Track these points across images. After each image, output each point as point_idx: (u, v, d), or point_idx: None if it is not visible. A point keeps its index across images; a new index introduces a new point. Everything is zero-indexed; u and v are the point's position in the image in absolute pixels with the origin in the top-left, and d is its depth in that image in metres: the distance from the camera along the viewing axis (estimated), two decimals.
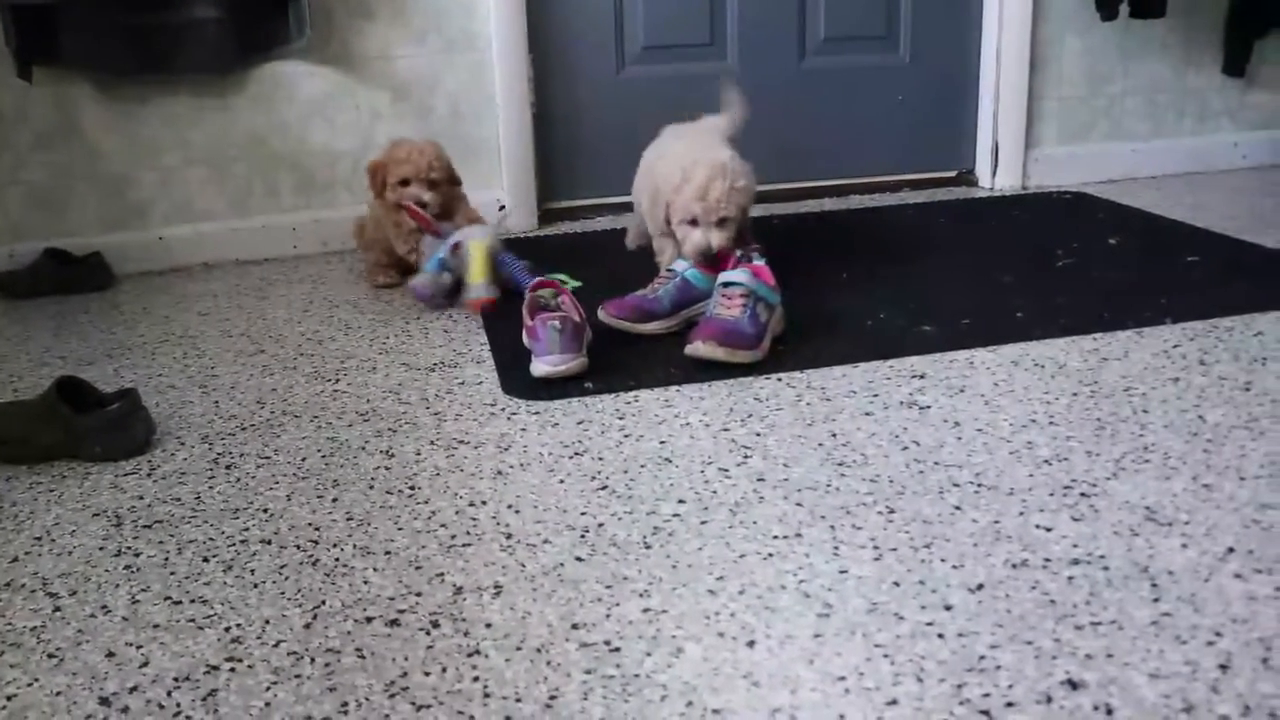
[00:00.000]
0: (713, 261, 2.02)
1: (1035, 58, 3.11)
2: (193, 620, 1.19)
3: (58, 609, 1.23)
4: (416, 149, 2.34)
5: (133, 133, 2.69)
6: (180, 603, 1.22)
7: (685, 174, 2.03)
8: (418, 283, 2.22)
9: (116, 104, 2.67)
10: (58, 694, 1.08)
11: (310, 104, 2.75)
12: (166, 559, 1.32)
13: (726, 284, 1.85)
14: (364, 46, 2.74)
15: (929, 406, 1.65)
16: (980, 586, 1.18)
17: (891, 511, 1.35)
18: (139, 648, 1.15)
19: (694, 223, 2.04)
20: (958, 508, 1.35)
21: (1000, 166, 3.16)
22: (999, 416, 1.61)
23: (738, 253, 1.99)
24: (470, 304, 2.15)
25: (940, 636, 1.10)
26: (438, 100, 2.81)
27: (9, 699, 1.07)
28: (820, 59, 3.08)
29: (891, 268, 2.37)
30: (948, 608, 1.15)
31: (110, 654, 1.14)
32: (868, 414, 1.64)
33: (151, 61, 2.60)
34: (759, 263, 1.93)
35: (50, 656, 1.14)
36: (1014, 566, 1.22)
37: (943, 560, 1.24)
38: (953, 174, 3.24)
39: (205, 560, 1.31)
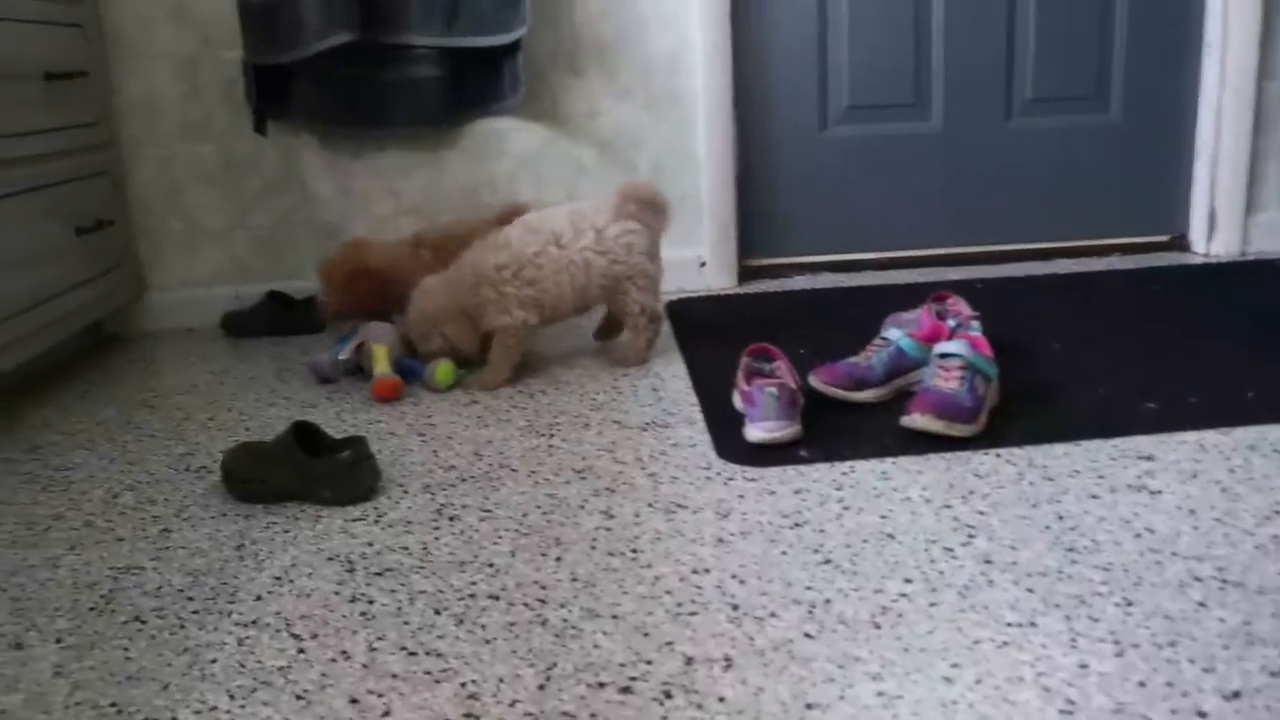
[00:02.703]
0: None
1: (1259, 117, 2.98)
2: (429, 673, 1.22)
3: (301, 650, 1.28)
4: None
5: (347, 183, 2.82)
6: (416, 654, 1.26)
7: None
8: (318, 360, 2.30)
9: (334, 156, 2.80)
10: None
11: (519, 159, 2.83)
12: (399, 608, 1.36)
13: (944, 355, 1.82)
14: (573, 103, 2.82)
15: (1160, 491, 1.59)
16: (1236, 694, 1.12)
17: (1129, 604, 1.30)
18: (380, 696, 1.18)
19: None
20: (1202, 604, 1.29)
21: (1217, 232, 3.03)
22: (1239, 506, 1.53)
23: (952, 322, 1.97)
24: (375, 390, 2.15)
25: None
26: (641, 156, 2.86)
27: None
28: (1027, 119, 3.03)
29: (1106, 338, 2.29)
30: (1201, 714, 1.09)
31: (354, 700, 1.18)
32: (1094, 496, 1.58)
33: (373, 115, 2.73)
34: (976, 333, 1.89)
35: (298, 698, 1.19)
36: (1272, 674, 1.15)
37: (1191, 661, 1.18)
38: (1165, 239, 3.13)
39: (437, 612, 1.35)
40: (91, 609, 1.40)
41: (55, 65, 2.35)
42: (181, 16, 2.68)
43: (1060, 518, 1.52)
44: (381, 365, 2.18)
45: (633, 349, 2.27)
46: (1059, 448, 1.75)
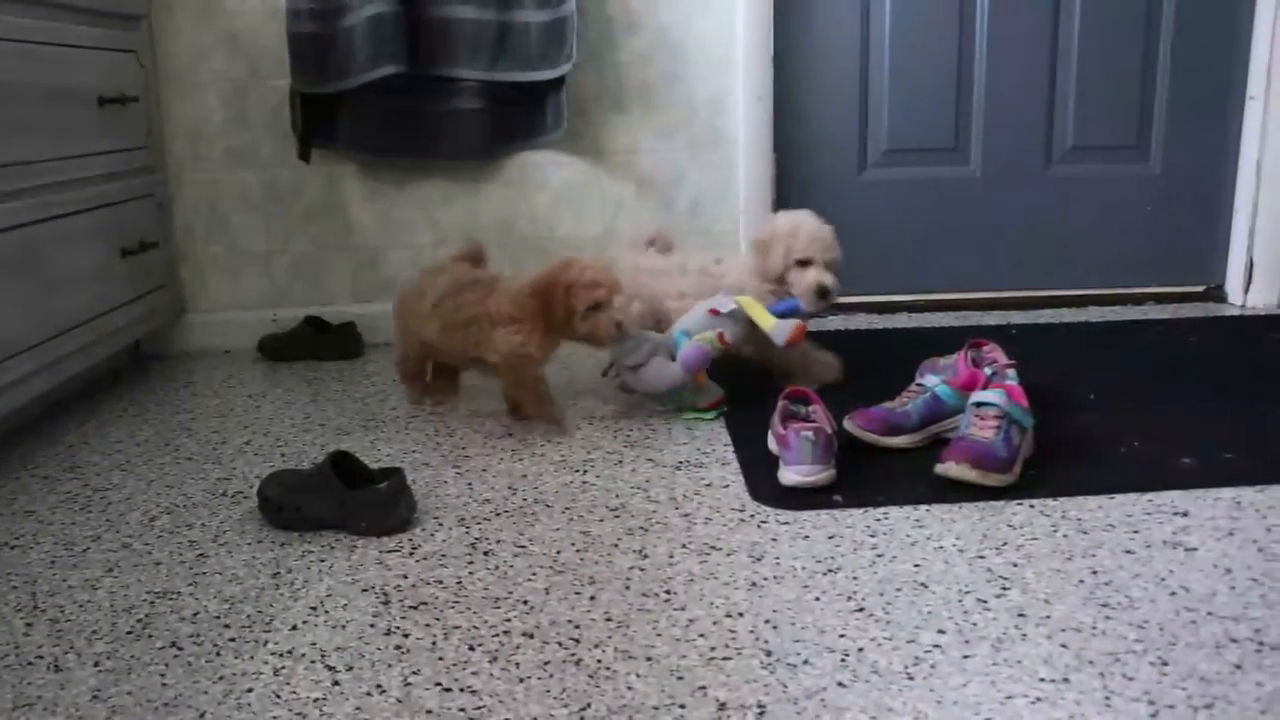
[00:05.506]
0: (826, 297, 2.23)
1: None
2: (463, 710, 1.23)
3: (336, 683, 1.29)
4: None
5: (388, 212, 2.85)
6: (450, 690, 1.27)
7: (795, 224, 2.26)
8: (691, 352, 2.09)
9: (376, 184, 2.84)
10: None
11: (559, 192, 2.85)
12: (434, 643, 1.37)
13: (980, 404, 1.82)
14: (614, 140, 2.84)
15: (1195, 549, 1.58)
16: None
17: (1165, 664, 1.29)
18: None
19: (806, 264, 2.24)
20: (1238, 666, 1.28)
21: (1254, 283, 3.02)
22: (1276, 566, 1.52)
23: (988, 370, 1.97)
24: (790, 339, 2.12)
25: None
26: (680, 194, 2.88)
27: None
28: (1067, 167, 3.03)
29: (1141, 389, 2.29)
30: None
31: None
32: (1129, 552, 1.57)
33: (417, 146, 2.76)
34: (1013, 382, 1.89)
35: None
36: None
37: None
38: (1200, 289, 3.12)
39: (471, 649, 1.35)
40: (129, 633, 1.42)
41: (108, 90, 2.40)
42: (233, 45, 2.73)
43: (1094, 572, 1.51)
44: (764, 316, 2.13)
45: None
46: (1093, 501, 1.75)
